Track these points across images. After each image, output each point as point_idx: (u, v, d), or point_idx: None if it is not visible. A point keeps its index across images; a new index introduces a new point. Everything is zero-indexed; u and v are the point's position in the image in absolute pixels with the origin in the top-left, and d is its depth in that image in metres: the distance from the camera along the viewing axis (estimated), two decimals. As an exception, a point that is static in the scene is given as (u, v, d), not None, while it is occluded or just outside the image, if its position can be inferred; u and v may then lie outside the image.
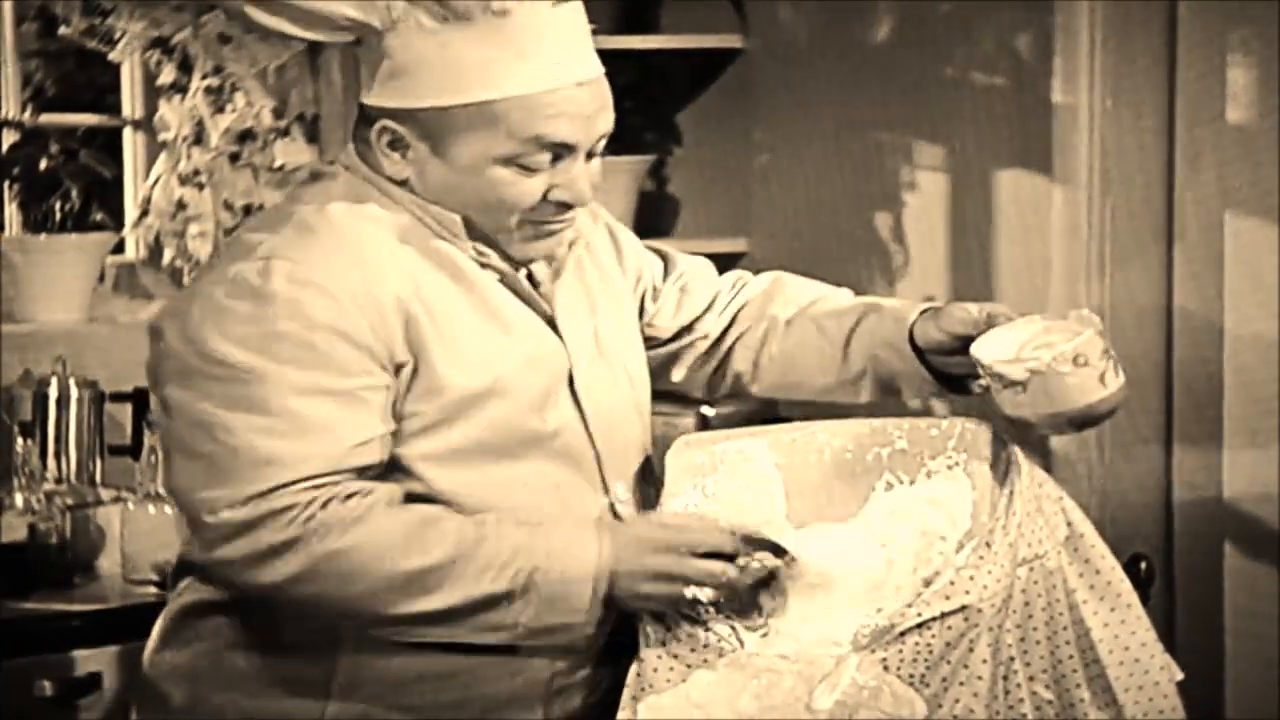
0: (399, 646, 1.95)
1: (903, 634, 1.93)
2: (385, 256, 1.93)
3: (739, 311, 2.19)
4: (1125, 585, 2.05)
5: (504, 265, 1.99)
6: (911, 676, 1.92)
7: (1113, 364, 2.00)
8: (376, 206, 1.96)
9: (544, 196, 1.95)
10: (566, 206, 1.96)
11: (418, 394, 1.92)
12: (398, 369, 1.92)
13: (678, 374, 2.20)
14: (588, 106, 1.94)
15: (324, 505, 1.86)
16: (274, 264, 1.88)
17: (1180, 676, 2.05)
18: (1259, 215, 3.01)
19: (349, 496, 1.88)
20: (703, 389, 2.22)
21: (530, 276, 2.03)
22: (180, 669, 2.01)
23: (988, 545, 1.97)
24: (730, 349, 2.19)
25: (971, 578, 1.95)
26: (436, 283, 1.95)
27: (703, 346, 2.19)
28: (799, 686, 1.89)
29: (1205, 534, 3.09)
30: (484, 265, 1.98)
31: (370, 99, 1.97)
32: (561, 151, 1.93)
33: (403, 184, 1.96)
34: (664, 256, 2.21)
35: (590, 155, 1.96)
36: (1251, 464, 3.03)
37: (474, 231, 1.97)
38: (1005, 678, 1.98)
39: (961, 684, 1.93)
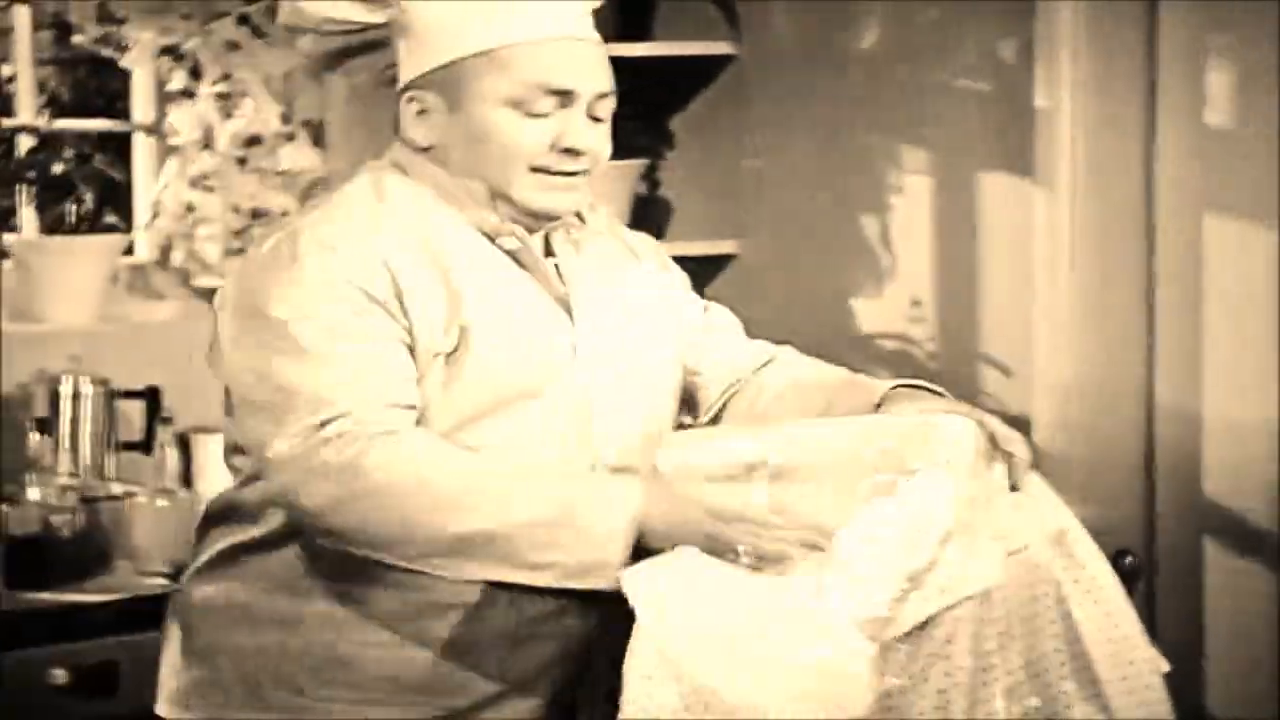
0: (365, 589, 2.05)
1: (885, 628, 1.93)
2: (396, 229, 2.07)
3: (741, 375, 2.28)
4: (1110, 579, 2.07)
5: (523, 234, 2.11)
6: (890, 668, 1.94)
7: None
8: (399, 184, 2.11)
9: (551, 146, 2.08)
10: (571, 154, 2.09)
11: (418, 357, 2.05)
12: (407, 331, 2.05)
13: (685, 419, 2.29)
14: (584, 60, 2.10)
15: (377, 436, 1.98)
16: (301, 233, 2.07)
17: (1166, 668, 2.07)
18: (1238, 217, 3.01)
19: (398, 432, 2.00)
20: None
21: (550, 253, 2.15)
22: (211, 604, 2.15)
23: (970, 541, 1.98)
24: (724, 406, 2.28)
25: (952, 575, 1.96)
26: (445, 251, 2.08)
27: (706, 397, 2.29)
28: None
29: (1185, 528, 3.08)
30: (500, 236, 2.10)
31: (402, 79, 2.13)
32: (563, 99, 2.08)
33: (428, 150, 2.11)
34: (705, 306, 2.34)
35: (596, 118, 2.10)
36: (1232, 458, 3.04)
37: (495, 197, 2.10)
38: (985, 670, 1.99)
39: (945, 675, 1.96)
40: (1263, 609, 3.02)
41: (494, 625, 2.08)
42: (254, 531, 2.13)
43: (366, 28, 2.15)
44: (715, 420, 2.28)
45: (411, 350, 2.05)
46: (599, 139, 2.12)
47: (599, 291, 2.16)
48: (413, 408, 2.04)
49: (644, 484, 2.00)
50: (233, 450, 2.17)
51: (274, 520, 2.11)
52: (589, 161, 2.11)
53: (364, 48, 2.19)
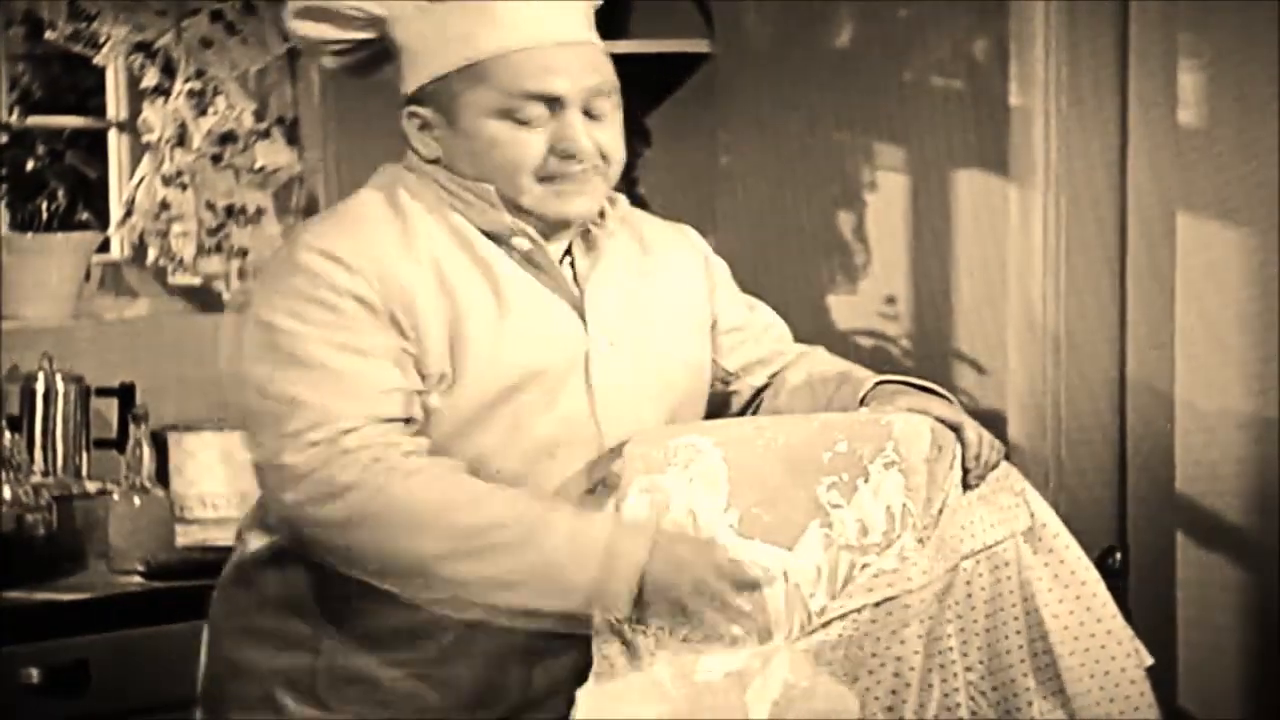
0: (379, 605, 2.04)
1: (828, 623, 1.95)
2: (403, 243, 2.07)
3: (774, 375, 2.27)
4: (1091, 574, 2.08)
5: (537, 237, 2.09)
6: (834, 667, 1.94)
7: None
8: (405, 194, 2.10)
9: (550, 153, 2.07)
10: (571, 157, 2.07)
11: (426, 369, 2.04)
12: (413, 345, 2.04)
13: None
14: (570, 64, 2.08)
15: (381, 453, 1.98)
16: (302, 243, 2.06)
17: (1150, 662, 2.08)
18: (1211, 215, 3.03)
19: (410, 452, 2.00)
20: None
21: (571, 264, 2.13)
22: (231, 619, 2.14)
23: (919, 541, 1.99)
24: (755, 410, 2.27)
25: (896, 570, 1.97)
26: (452, 262, 2.07)
27: (742, 400, 2.27)
28: (732, 689, 1.90)
29: (1158, 524, 3.10)
30: (513, 237, 2.08)
31: (401, 93, 2.13)
32: (552, 105, 2.06)
33: (435, 163, 2.11)
34: (749, 305, 2.31)
35: (593, 115, 2.08)
36: (1205, 454, 3.06)
37: (507, 204, 2.09)
38: (943, 667, 2.00)
39: (894, 674, 1.96)
40: (1234, 604, 3.04)
41: (512, 640, 2.06)
42: (263, 544, 2.11)
43: (363, 44, 2.15)
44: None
45: (417, 366, 2.03)
46: (602, 137, 2.09)
47: (615, 295, 2.13)
48: (412, 422, 2.03)
49: (650, 535, 1.98)
50: None
51: (282, 534, 2.09)
52: (593, 161, 2.09)
53: (378, 59, 2.18)
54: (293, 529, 2.03)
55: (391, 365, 2.02)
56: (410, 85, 2.11)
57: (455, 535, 1.97)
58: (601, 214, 2.15)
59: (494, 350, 2.05)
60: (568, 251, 2.14)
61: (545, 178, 2.08)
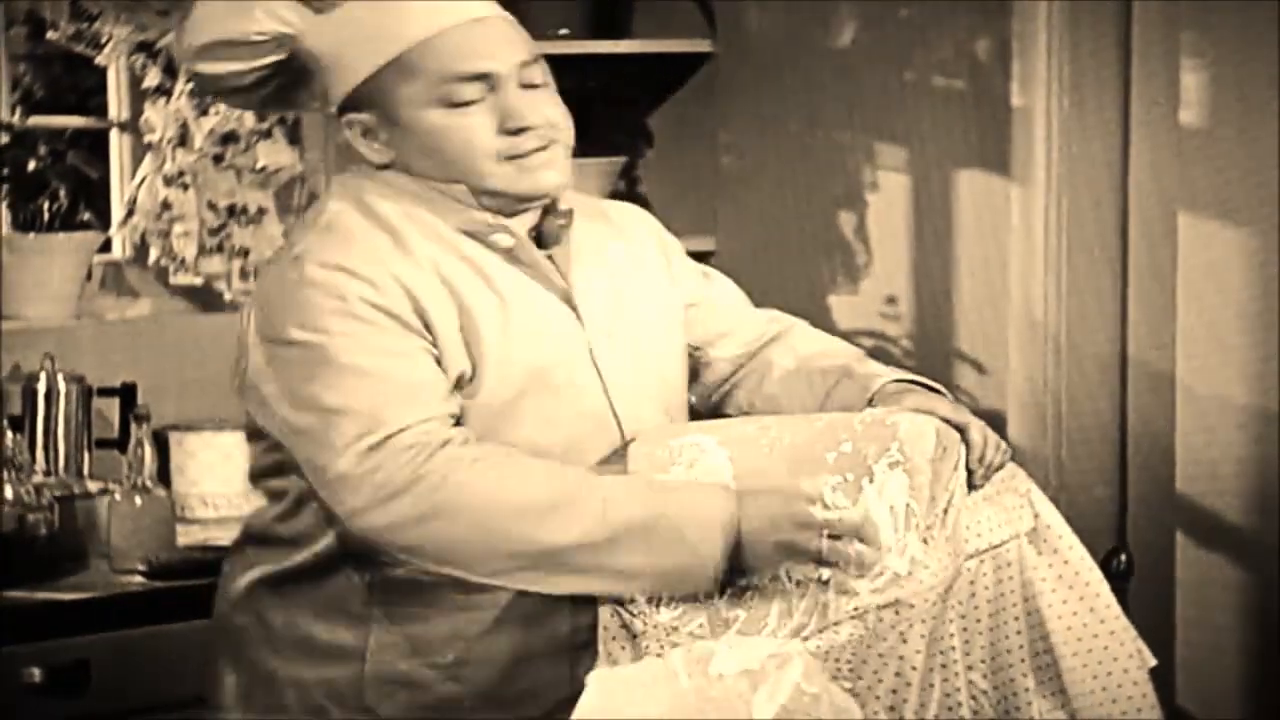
0: (427, 609, 2.03)
1: (838, 623, 1.95)
2: (390, 244, 2.04)
3: (755, 353, 2.26)
4: (1095, 575, 2.08)
5: (516, 229, 2.07)
6: (840, 666, 1.95)
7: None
8: (377, 200, 2.07)
9: (500, 131, 2.04)
10: (523, 131, 2.04)
11: (446, 369, 2.02)
12: (432, 344, 2.03)
13: (692, 396, 2.26)
14: (494, 40, 2.05)
15: (442, 445, 1.96)
16: (304, 259, 2.03)
17: (1153, 663, 2.08)
18: (1213, 215, 3.03)
19: (464, 442, 1.98)
20: (706, 417, 2.28)
21: (549, 255, 2.11)
22: (266, 634, 2.11)
23: (924, 541, 1.99)
24: (733, 387, 2.26)
25: (908, 572, 1.97)
26: (448, 263, 2.05)
27: (715, 374, 2.26)
28: (744, 686, 1.89)
29: (1158, 524, 3.10)
30: (493, 234, 2.06)
31: (331, 105, 2.10)
32: (488, 84, 2.04)
33: (389, 167, 2.07)
34: (706, 274, 2.30)
35: (531, 86, 2.05)
36: (1205, 454, 3.05)
37: (479, 194, 2.06)
38: (944, 666, 2.00)
39: (896, 674, 1.95)
40: (1234, 604, 3.04)
41: (556, 635, 2.05)
42: (298, 557, 2.08)
43: (274, 72, 2.10)
44: (725, 399, 2.25)
45: (440, 364, 2.02)
46: (546, 106, 2.06)
47: (599, 281, 2.12)
48: (455, 417, 2.01)
49: (733, 491, 1.98)
50: (262, 474, 2.12)
51: (320, 545, 2.07)
52: (549, 130, 2.06)
53: (287, 88, 2.13)
54: (368, 537, 1.99)
55: (421, 364, 2.01)
56: (339, 94, 2.08)
57: (531, 510, 1.94)
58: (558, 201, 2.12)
59: (505, 348, 2.04)
60: (539, 240, 2.11)
61: (506, 157, 2.05)
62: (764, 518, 1.96)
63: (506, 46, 2.06)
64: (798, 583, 1.99)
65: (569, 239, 2.12)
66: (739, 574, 1.98)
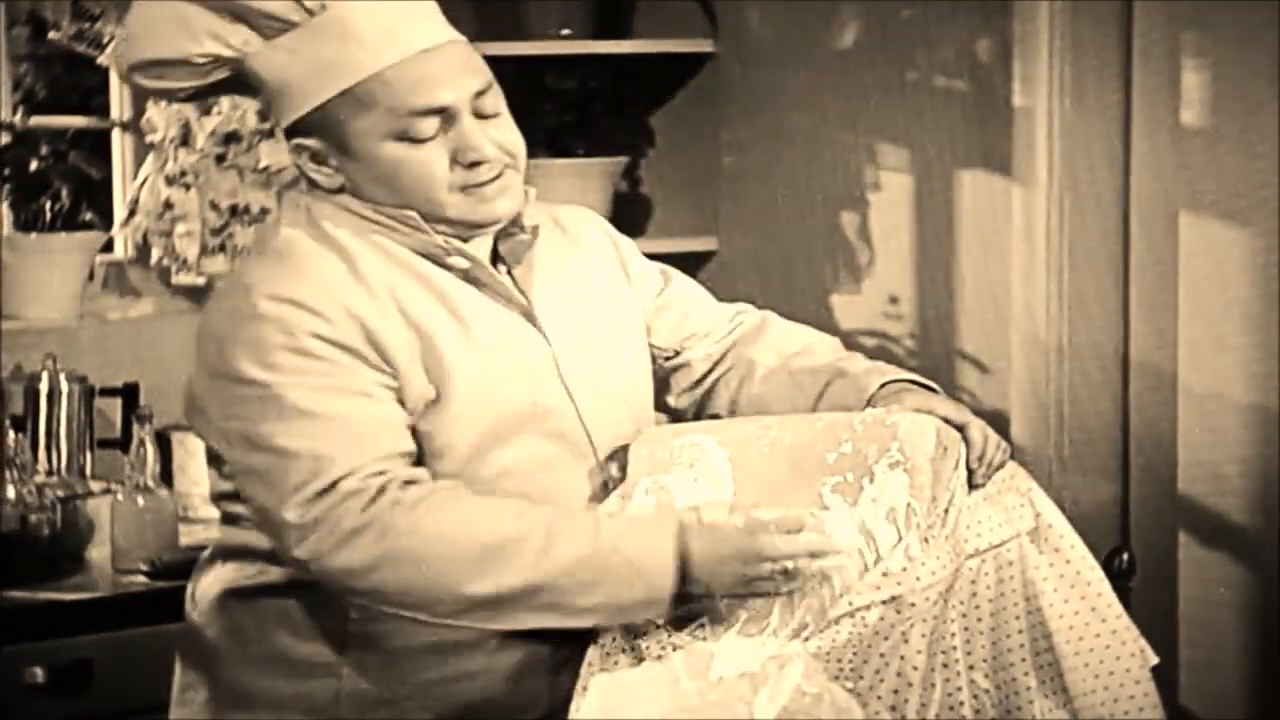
0: (404, 625, 2.01)
1: (835, 621, 1.95)
2: (344, 272, 2.01)
3: (729, 349, 2.24)
4: (1096, 574, 2.07)
5: (474, 253, 2.05)
6: (842, 666, 1.94)
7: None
8: (329, 225, 2.03)
9: (454, 164, 2.01)
10: (476, 165, 2.01)
11: (407, 398, 2.00)
12: (391, 377, 2.00)
13: (671, 399, 2.25)
14: (447, 71, 2.01)
15: (382, 490, 1.94)
16: (255, 290, 1.98)
17: (1155, 661, 2.08)
18: (1214, 215, 3.04)
19: (408, 483, 1.96)
20: (690, 418, 2.27)
21: (509, 273, 2.08)
22: (239, 648, 2.09)
23: (925, 540, 1.99)
24: (714, 385, 2.24)
25: (904, 570, 1.97)
26: (405, 289, 2.02)
27: (692, 375, 2.24)
28: (744, 689, 1.90)
29: (1161, 524, 3.11)
30: (449, 257, 2.03)
31: (280, 126, 2.05)
32: (442, 115, 2.00)
33: (340, 191, 2.04)
34: (664, 274, 2.26)
35: (484, 115, 2.02)
36: (1207, 454, 3.06)
37: (431, 221, 2.03)
38: (945, 666, 2.00)
39: (898, 674, 1.95)
40: (1236, 603, 3.05)
41: (532, 654, 2.04)
42: (273, 571, 2.05)
43: (220, 82, 2.06)
44: (706, 398, 2.23)
45: (399, 396, 1.99)
46: (498, 135, 2.02)
47: (560, 295, 2.10)
48: (410, 454, 1.99)
49: (682, 522, 1.97)
50: (220, 497, 2.10)
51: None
52: (501, 161, 2.03)
53: (240, 88, 2.09)
54: (321, 582, 1.99)
55: (375, 401, 1.97)
56: (287, 119, 2.03)
57: (477, 554, 1.94)
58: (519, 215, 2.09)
59: (469, 370, 2.01)
60: (497, 258, 2.09)
61: (461, 188, 2.02)
62: (714, 557, 1.95)
63: (461, 77, 2.01)
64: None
65: (528, 251, 2.10)
66: (703, 598, 1.98)
